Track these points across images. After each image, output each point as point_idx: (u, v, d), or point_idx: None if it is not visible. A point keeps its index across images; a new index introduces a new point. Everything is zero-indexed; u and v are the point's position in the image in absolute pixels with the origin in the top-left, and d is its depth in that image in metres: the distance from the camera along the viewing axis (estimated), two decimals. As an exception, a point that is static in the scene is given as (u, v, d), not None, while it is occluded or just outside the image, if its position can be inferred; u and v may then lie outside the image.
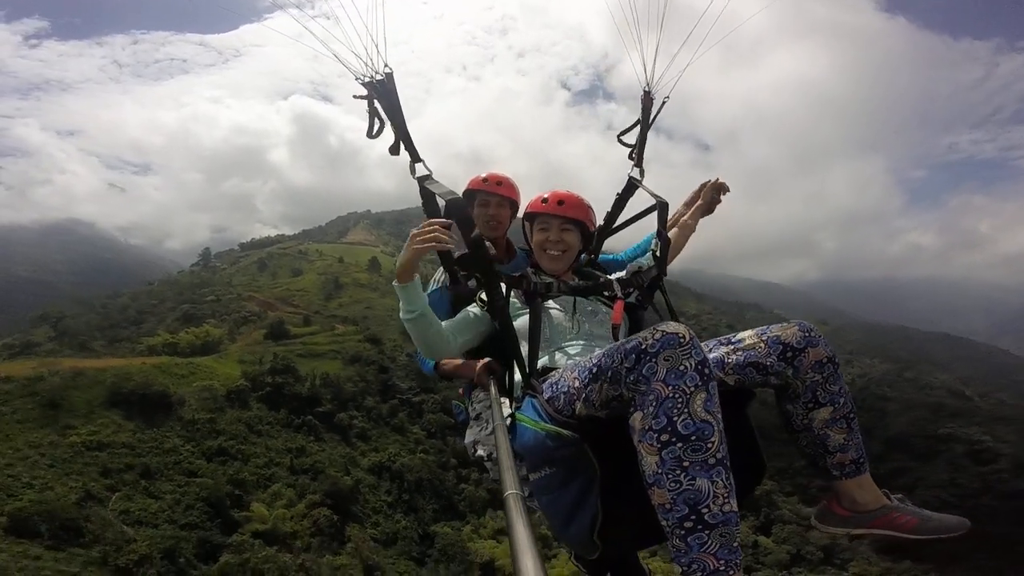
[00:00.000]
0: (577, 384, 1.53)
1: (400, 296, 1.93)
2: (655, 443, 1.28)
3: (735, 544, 1.26)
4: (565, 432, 1.52)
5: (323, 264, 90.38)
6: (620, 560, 2.14)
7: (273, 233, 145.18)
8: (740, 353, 1.69)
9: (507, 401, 2.00)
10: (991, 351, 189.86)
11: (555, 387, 1.66)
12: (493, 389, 2.03)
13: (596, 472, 1.49)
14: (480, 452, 2.16)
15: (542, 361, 1.97)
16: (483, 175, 2.81)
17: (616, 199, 2.70)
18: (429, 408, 53.70)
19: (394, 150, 2.19)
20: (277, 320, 61.91)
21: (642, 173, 2.69)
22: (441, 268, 2.41)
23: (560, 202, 2.23)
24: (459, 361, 2.33)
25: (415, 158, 2.18)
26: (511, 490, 1.12)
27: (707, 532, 1.22)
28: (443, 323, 2.06)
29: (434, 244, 1.86)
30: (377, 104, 2.18)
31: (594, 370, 1.46)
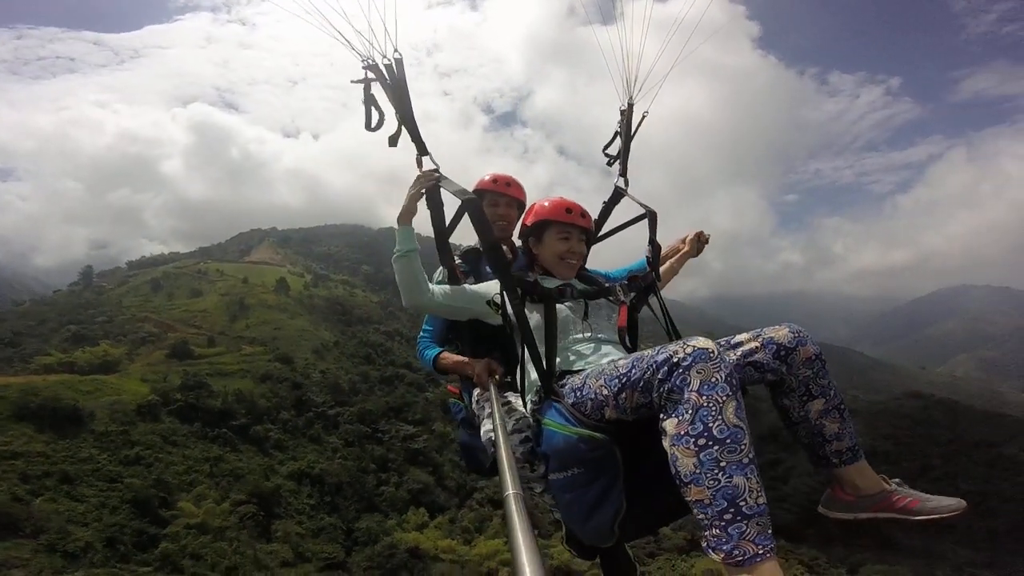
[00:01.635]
0: (606, 392, 1.69)
1: (397, 235, 2.26)
2: (692, 446, 1.42)
3: (769, 532, 1.38)
4: (598, 435, 1.70)
5: (225, 284, 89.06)
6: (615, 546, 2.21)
7: (163, 250, 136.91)
8: (740, 353, 1.87)
9: (515, 398, 2.21)
10: (849, 354, 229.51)
11: (580, 393, 1.82)
12: (493, 390, 2.14)
13: (620, 470, 1.68)
14: (484, 426, 2.30)
15: (557, 362, 2.06)
16: (489, 176, 2.93)
17: (603, 207, 2.95)
18: (345, 420, 57.44)
19: (393, 141, 2.30)
20: (180, 340, 61.90)
21: (627, 183, 2.93)
22: (441, 268, 2.59)
23: (582, 214, 2.45)
24: (460, 358, 2.51)
25: (422, 150, 2.29)
26: (511, 490, 1.17)
27: (746, 522, 1.35)
28: (435, 284, 2.37)
29: (425, 185, 2.21)
30: (376, 91, 2.29)
31: (624, 380, 1.63)
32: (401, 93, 2.26)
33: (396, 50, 2.23)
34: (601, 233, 2.95)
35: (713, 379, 1.45)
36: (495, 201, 2.88)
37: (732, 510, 1.37)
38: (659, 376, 1.51)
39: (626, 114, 3.02)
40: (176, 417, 45.85)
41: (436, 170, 2.26)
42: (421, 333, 2.78)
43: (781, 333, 1.88)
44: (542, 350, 2.00)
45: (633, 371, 1.60)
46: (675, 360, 1.50)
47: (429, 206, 2.28)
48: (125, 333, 61.99)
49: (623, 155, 3.02)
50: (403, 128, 2.30)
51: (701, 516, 1.42)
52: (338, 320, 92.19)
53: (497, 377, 2.28)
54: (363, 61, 2.27)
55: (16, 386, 38.68)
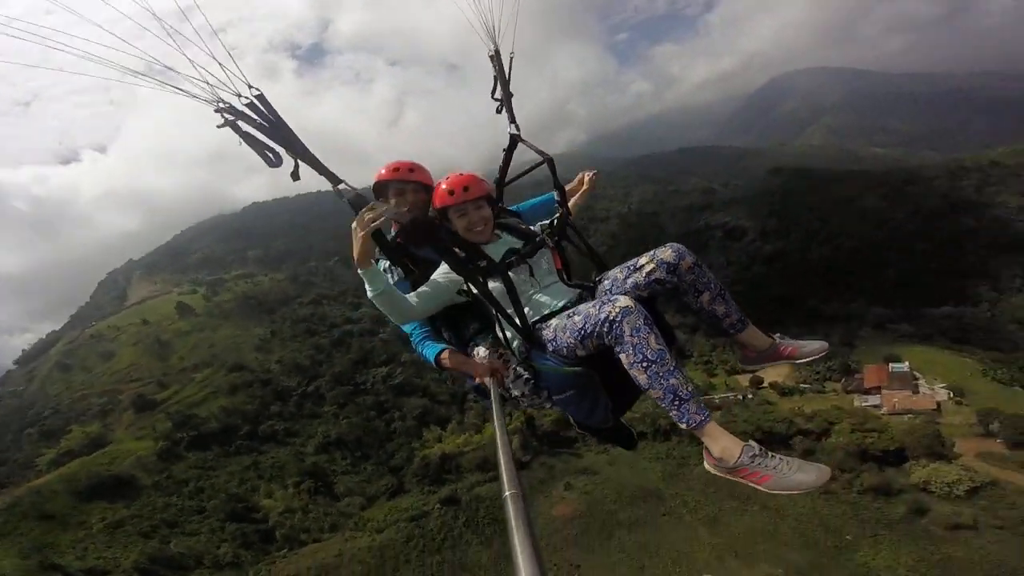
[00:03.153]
0: (573, 341, 2.47)
1: (365, 280, 2.58)
2: (640, 368, 2.26)
3: (703, 405, 2.28)
4: (579, 369, 2.54)
5: (129, 335, 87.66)
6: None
7: (32, 337, 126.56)
8: (644, 275, 2.66)
9: (505, 342, 2.79)
10: (720, 150, 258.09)
11: (555, 343, 2.58)
12: (493, 390, 2.46)
13: (599, 384, 2.56)
14: (516, 395, 2.87)
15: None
16: (391, 165, 3.08)
17: (504, 155, 3.40)
18: (325, 389, 65.43)
19: (296, 176, 2.40)
20: (135, 396, 64.65)
21: (518, 128, 3.30)
22: (390, 266, 2.97)
23: (465, 188, 2.83)
24: (463, 359, 2.83)
25: (334, 180, 2.50)
26: (511, 490, 1.25)
27: (686, 404, 2.24)
28: (411, 295, 2.77)
29: (372, 226, 2.39)
30: (250, 129, 2.31)
31: (582, 333, 2.41)
32: (278, 130, 2.31)
33: (252, 87, 2.24)
34: (508, 179, 3.37)
35: (637, 325, 2.28)
36: (401, 190, 3.07)
37: (676, 400, 2.25)
38: (604, 329, 2.33)
39: (496, 60, 3.37)
40: (195, 449, 52.57)
41: (355, 192, 2.49)
42: (412, 331, 3.05)
43: (667, 253, 2.66)
44: (511, 311, 2.71)
45: (587, 326, 2.41)
46: (611, 318, 2.30)
47: (376, 241, 2.55)
48: (81, 413, 64.09)
49: (506, 101, 3.39)
50: (300, 162, 2.36)
51: (662, 407, 2.30)
52: (259, 312, 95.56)
53: (499, 376, 2.64)
54: (215, 105, 2.23)
55: (50, 484, 44.50)
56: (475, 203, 2.88)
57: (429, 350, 2.93)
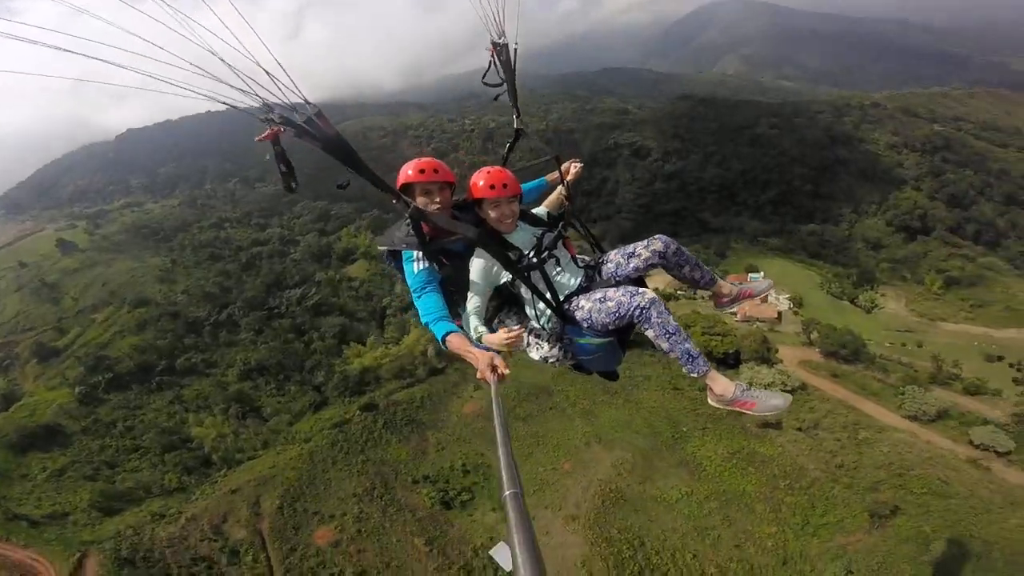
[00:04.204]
0: (607, 320, 3.38)
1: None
2: (664, 339, 3.25)
3: (705, 359, 3.33)
4: (610, 339, 3.51)
5: (8, 283, 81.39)
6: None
7: None
8: (642, 260, 3.63)
9: (535, 318, 3.68)
10: (642, 72, 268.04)
11: (590, 320, 3.47)
12: (494, 387, 2.59)
13: (618, 346, 3.57)
14: (552, 360, 3.73)
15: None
16: (413, 168, 3.42)
17: (508, 147, 4.08)
18: (239, 315, 67.84)
19: (344, 186, 2.76)
20: (34, 345, 64.25)
21: (523, 122, 3.86)
22: (419, 253, 3.42)
23: (505, 185, 3.47)
24: (468, 348, 3.10)
25: (396, 195, 3.08)
26: (511, 489, 1.31)
27: (696, 359, 3.29)
28: (473, 298, 3.47)
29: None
30: (290, 143, 2.41)
31: (617, 315, 3.32)
32: (338, 147, 2.43)
33: (308, 102, 2.34)
34: (515, 168, 3.83)
35: (660, 310, 3.29)
36: (427, 190, 3.42)
37: (689, 358, 3.29)
38: (636, 313, 3.30)
39: (501, 53, 3.82)
40: (115, 390, 55.30)
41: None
42: (422, 308, 3.42)
43: (658, 245, 3.65)
44: (548, 293, 3.51)
45: (620, 310, 3.33)
46: (643, 306, 3.28)
47: (418, 238, 3.25)
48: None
49: (511, 95, 3.87)
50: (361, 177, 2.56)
51: (678, 364, 3.34)
52: (155, 241, 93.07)
53: (500, 372, 2.81)
54: (265, 114, 2.28)
55: None
56: (509, 199, 3.53)
57: (440, 328, 3.28)
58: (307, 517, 36.07)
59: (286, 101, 2.28)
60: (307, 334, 64.35)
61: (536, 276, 3.51)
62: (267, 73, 2.12)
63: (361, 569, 32.28)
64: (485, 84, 4.04)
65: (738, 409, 3.55)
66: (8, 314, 74.96)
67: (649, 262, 3.66)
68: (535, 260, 3.53)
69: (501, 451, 1.60)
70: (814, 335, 50.84)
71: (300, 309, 68.62)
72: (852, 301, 65.17)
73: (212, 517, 36.74)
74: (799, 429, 39.07)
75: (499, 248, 3.39)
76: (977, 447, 36.38)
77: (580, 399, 43.75)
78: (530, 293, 3.55)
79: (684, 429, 39.89)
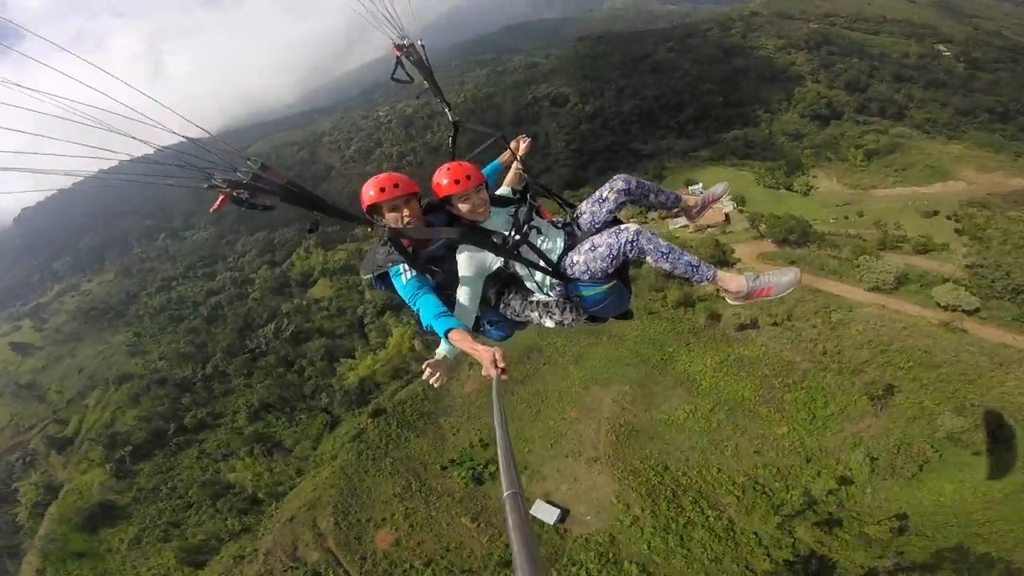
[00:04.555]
0: (605, 264, 3.44)
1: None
2: (664, 260, 3.31)
3: (709, 264, 3.39)
4: (613, 283, 3.58)
5: None
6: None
7: None
8: (612, 202, 3.75)
9: (539, 295, 3.77)
10: (537, 23, 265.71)
11: (590, 271, 3.53)
12: (495, 385, 2.56)
13: (623, 287, 3.64)
14: (567, 322, 3.80)
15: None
16: (376, 185, 3.30)
17: (452, 141, 4.23)
18: (225, 368, 65.17)
19: (315, 228, 2.87)
20: (44, 440, 62.20)
21: (455, 114, 4.02)
22: (405, 265, 3.38)
23: (468, 177, 3.45)
24: (472, 344, 3.04)
25: (369, 223, 3.17)
26: (511, 489, 1.28)
27: (699, 268, 3.36)
28: (463, 298, 3.47)
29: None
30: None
31: (611, 256, 3.39)
32: (294, 194, 2.41)
33: (249, 159, 2.33)
34: (467, 158, 3.81)
35: (648, 236, 3.36)
36: (394, 206, 3.32)
37: (693, 268, 3.38)
38: (627, 248, 3.36)
39: (409, 53, 3.88)
40: (141, 460, 54.68)
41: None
42: (421, 312, 3.32)
43: (619, 184, 3.76)
44: (541, 263, 3.59)
45: (613, 251, 3.41)
46: (631, 240, 3.36)
47: (404, 257, 3.34)
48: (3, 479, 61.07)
49: (436, 92, 3.96)
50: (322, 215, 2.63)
51: (685, 277, 3.37)
52: (109, 320, 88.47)
53: (501, 368, 2.78)
54: (206, 184, 2.24)
55: (51, 532, 47.13)
56: (476, 189, 3.50)
57: (440, 326, 3.20)
58: (363, 526, 36.00)
59: (213, 160, 2.24)
60: (296, 363, 62.70)
61: (525, 250, 3.58)
62: (190, 140, 2.12)
63: (428, 559, 32.58)
64: (395, 80, 4.04)
65: (757, 299, 3.59)
66: (3, 421, 71.31)
67: (618, 201, 3.77)
68: (518, 237, 3.58)
69: (501, 452, 1.58)
70: (762, 227, 51.35)
71: (279, 343, 66.50)
72: (788, 189, 67.23)
73: (284, 547, 36.55)
74: (775, 324, 39.16)
75: (483, 238, 3.46)
76: (944, 308, 36.58)
77: (568, 347, 43.96)
78: (526, 268, 3.62)
79: (670, 350, 40.06)
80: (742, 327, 39.42)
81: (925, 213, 53.95)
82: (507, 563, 30.02)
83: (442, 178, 3.50)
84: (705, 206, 4.38)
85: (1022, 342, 32.90)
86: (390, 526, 35.21)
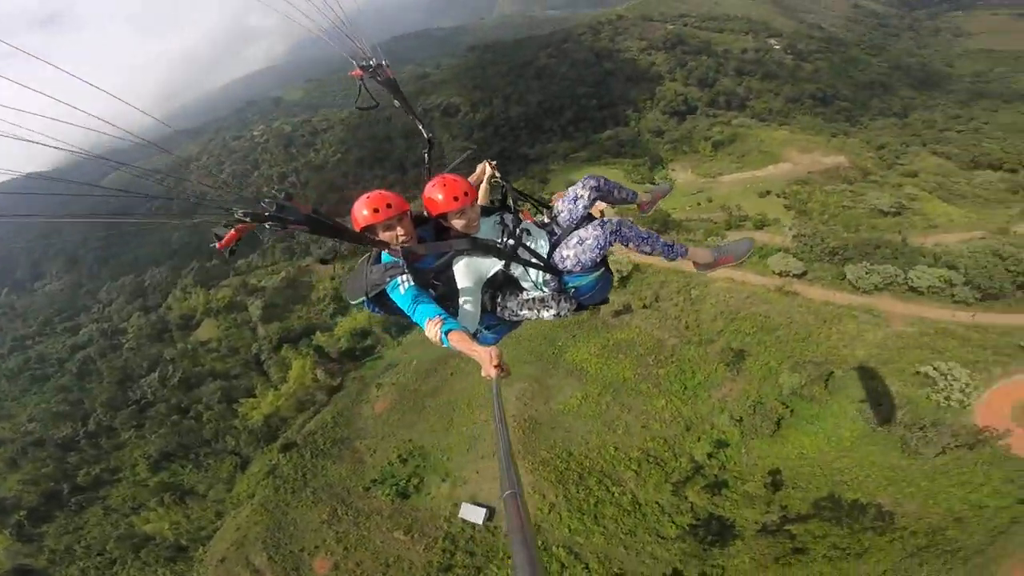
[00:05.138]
0: (595, 255, 3.67)
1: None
2: (646, 245, 3.75)
3: (680, 243, 3.97)
4: (601, 271, 3.83)
5: None
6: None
7: None
8: (586, 199, 4.03)
9: (535, 292, 3.85)
10: (432, 31, 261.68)
11: (581, 263, 3.75)
12: (496, 385, 2.54)
13: (610, 274, 3.89)
14: (563, 313, 3.93)
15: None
16: (368, 206, 3.34)
17: (427, 159, 4.24)
18: (105, 417, 59.18)
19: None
20: None
21: (430, 132, 4.10)
22: (409, 275, 3.34)
23: (465, 194, 3.52)
24: (472, 345, 3.00)
25: (387, 245, 3.40)
26: (510, 490, 1.27)
27: (674, 248, 3.92)
28: (466, 305, 3.53)
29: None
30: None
31: (598, 248, 3.62)
32: (319, 225, 2.67)
33: (275, 195, 2.66)
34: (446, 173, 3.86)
35: (629, 226, 3.61)
36: (389, 226, 3.36)
37: (669, 249, 3.86)
38: (612, 239, 3.64)
39: (377, 73, 3.97)
40: (43, 523, 49.11)
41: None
42: (420, 317, 3.27)
43: (591, 182, 4.08)
44: (534, 261, 3.76)
45: (600, 242, 3.66)
46: (615, 231, 3.65)
47: (412, 273, 3.35)
48: None
49: (408, 110, 4.02)
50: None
51: (663, 258, 3.90)
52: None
53: (502, 369, 2.79)
54: (227, 222, 2.52)
55: None
56: (472, 204, 3.59)
57: (442, 327, 3.14)
58: (298, 556, 34.84)
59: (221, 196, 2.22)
60: (191, 409, 58.36)
61: (521, 252, 3.77)
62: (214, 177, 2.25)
63: (369, 577, 31.93)
64: (359, 108, 4.19)
65: (723, 266, 4.12)
66: None
67: (591, 198, 4.13)
68: (512, 242, 3.74)
69: (501, 452, 1.58)
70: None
71: (168, 391, 61.34)
72: (652, 183, 71.87)
73: (225, 589, 34.45)
74: (645, 307, 41.26)
75: (488, 246, 3.58)
76: (779, 275, 39.62)
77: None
78: (522, 268, 3.80)
79: (559, 343, 41.48)
80: (618, 313, 41.45)
81: (760, 193, 59.81)
82: (448, 568, 30.83)
83: (438, 194, 3.54)
84: (654, 200, 4.87)
85: (840, 299, 37.61)
86: (325, 552, 34.46)
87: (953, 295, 36.03)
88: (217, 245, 2.47)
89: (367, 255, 3.81)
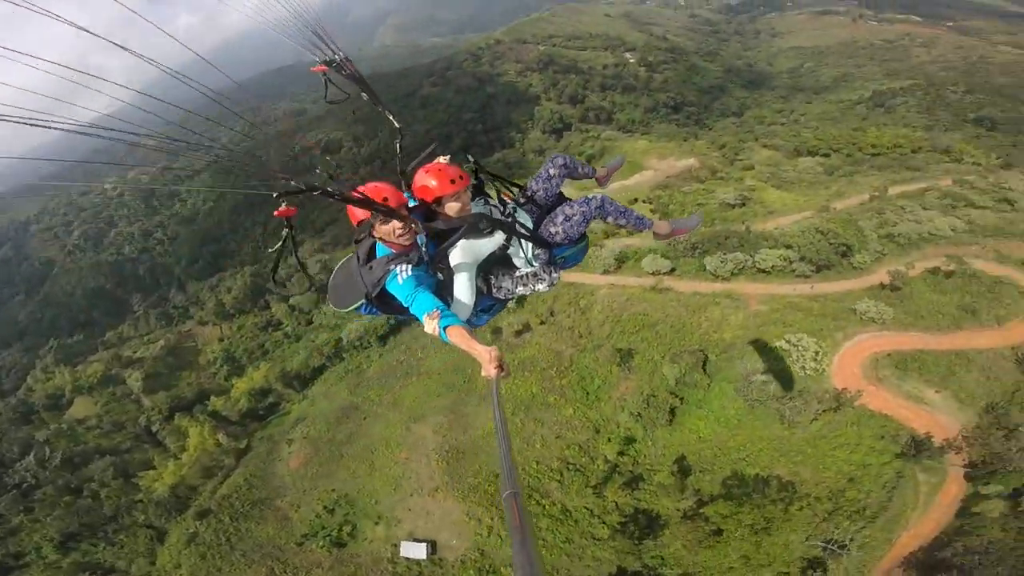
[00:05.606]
0: (580, 227, 3.96)
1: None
2: (623, 218, 4.03)
3: (647, 217, 4.22)
4: (584, 240, 4.18)
5: None
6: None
7: None
8: (558, 177, 4.29)
9: (525, 267, 4.07)
10: (307, 63, 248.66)
11: (569, 235, 4.02)
12: (496, 385, 2.50)
13: (587, 240, 4.20)
14: (554, 281, 4.21)
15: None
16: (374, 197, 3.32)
17: (399, 148, 4.35)
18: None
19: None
20: None
21: (397, 122, 4.20)
22: (407, 265, 3.39)
23: (461, 177, 3.73)
24: (472, 343, 2.96)
25: (418, 223, 3.62)
26: (511, 490, 1.27)
27: (643, 220, 4.15)
28: (464, 290, 3.69)
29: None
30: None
31: (583, 221, 3.92)
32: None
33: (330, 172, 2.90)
34: (414, 163, 3.99)
35: (611, 201, 3.93)
36: (386, 220, 3.42)
37: (639, 221, 4.11)
38: (597, 212, 3.94)
39: (344, 66, 3.93)
40: None
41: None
42: (417, 308, 3.27)
43: (559, 161, 4.32)
44: (528, 235, 3.97)
45: (586, 216, 3.97)
46: (599, 205, 3.94)
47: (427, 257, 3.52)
48: None
49: (376, 101, 4.06)
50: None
51: (634, 230, 4.24)
52: None
53: (502, 369, 2.76)
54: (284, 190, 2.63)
55: None
56: (465, 188, 3.78)
57: (443, 321, 3.12)
58: None
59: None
60: (83, 488, 52.42)
61: (518, 227, 3.98)
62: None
63: (321, 633, 29.45)
64: (329, 103, 4.11)
65: (679, 235, 4.48)
66: None
67: (562, 175, 4.38)
68: (510, 219, 3.98)
69: (501, 452, 1.56)
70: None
71: (51, 472, 54.68)
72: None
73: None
74: (542, 323, 42.68)
75: (495, 220, 3.84)
76: (652, 274, 42.19)
77: (382, 396, 44.19)
78: (517, 244, 3.95)
79: (469, 372, 41.54)
80: (519, 333, 42.50)
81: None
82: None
83: (431, 180, 3.68)
84: (608, 176, 5.02)
85: (705, 288, 40.37)
86: (270, 613, 31.78)
87: (794, 270, 40.68)
88: (276, 212, 2.77)
89: (346, 259, 3.96)
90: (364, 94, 4.08)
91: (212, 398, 54.89)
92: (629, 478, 31.24)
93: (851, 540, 24.93)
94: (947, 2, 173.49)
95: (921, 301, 36.80)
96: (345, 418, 43.83)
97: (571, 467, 33.57)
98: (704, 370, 34.54)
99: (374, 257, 3.63)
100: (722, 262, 41.56)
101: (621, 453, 32.57)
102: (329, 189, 2.82)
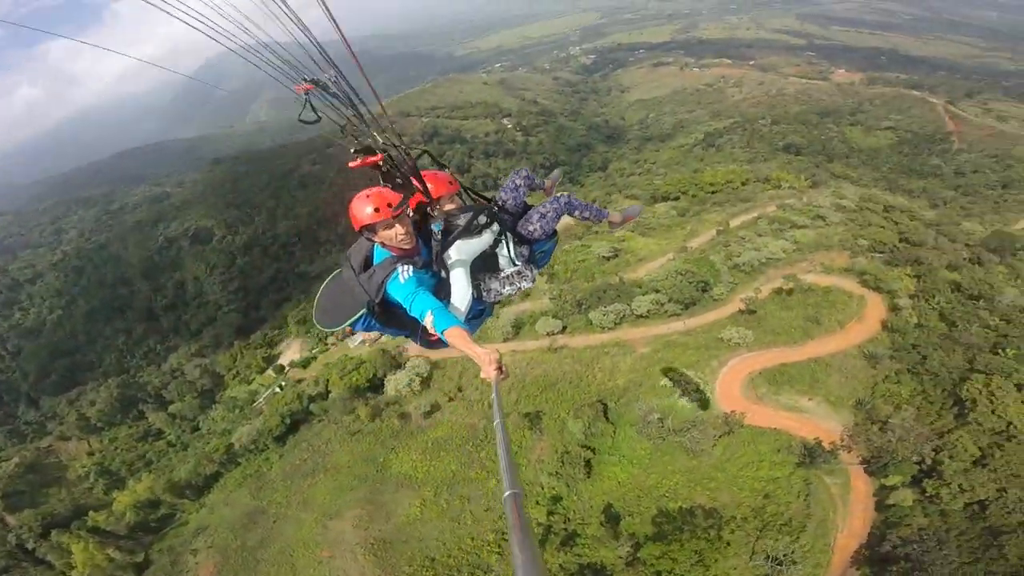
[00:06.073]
0: (552, 224, 4.37)
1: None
2: (588, 213, 4.61)
3: (604, 208, 4.81)
4: (555, 235, 4.51)
5: None
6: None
7: None
8: (524, 188, 4.59)
9: (508, 265, 4.31)
10: (167, 145, 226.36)
11: (544, 231, 4.40)
12: (496, 386, 2.52)
13: (557, 234, 4.49)
14: (534, 280, 4.42)
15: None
16: (368, 205, 3.49)
17: (384, 157, 4.36)
18: None
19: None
20: None
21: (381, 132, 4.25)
22: (408, 266, 3.50)
23: (454, 179, 4.26)
24: (472, 345, 2.91)
25: (436, 209, 4.15)
26: (511, 490, 1.27)
27: (602, 212, 4.74)
28: (462, 289, 3.85)
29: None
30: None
31: (555, 219, 4.40)
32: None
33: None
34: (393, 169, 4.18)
35: (576, 199, 4.58)
36: (389, 225, 3.50)
37: (599, 214, 4.72)
38: (567, 209, 4.44)
39: (327, 87, 3.93)
40: None
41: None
42: (418, 309, 3.26)
43: (523, 173, 4.66)
44: (511, 232, 4.33)
45: (558, 214, 4.40)
46: (567, 202, 4.49)
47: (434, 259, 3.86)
48: None
49: (362, 122, 4.16)
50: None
51: (595, 222, 4.89)
52: None
53: (501, 371, 2.77)
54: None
55: None
56: (458, 192, 4.33)
57: (439, 321, 3.07)
58: None
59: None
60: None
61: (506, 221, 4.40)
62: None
63: None
64: (301, 122, 3.95)
65: (629, 222, 4.99)
66: None
67: (527, 186, 4.74)
68: (506, 215, 4.50)
69: (501, 452, 1.53)
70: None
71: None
72: None
73: None
74: (451, 399, 42.39)
75: (491, 216, 4.22)
76: (547, 335, 43.67)
77: (291, 497, 41.49)
78: (503, 244, 4.28)
79: (381, 459, 40.50)
80: (428, 414, 41.82)
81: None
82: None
83: (430, 184, 4.12)
84: (623, 222, 5.27)
85: (594, 340, 42.08)
86: None
87: (667, 311, 44.57)
88: (350, 164, 3.07)
89: (331, 278, 4.07)
90: (349, 115, 4.12)
91: (91, 513, 49.13)
92: (564, 536, 31.21)
93: (792, 552, 25.56)
94: (748, 43, 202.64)
95: (773, 320, 40.62)
96: (252, 523, 40.32)
97: (506, 537, 33.35)
98: (607, 418, 35.98)
99: (371, 265, 3.73)
100: (604, 314, 44.64)
101: (551, 513, 32.74)
102: (402, 158, 3.69)
